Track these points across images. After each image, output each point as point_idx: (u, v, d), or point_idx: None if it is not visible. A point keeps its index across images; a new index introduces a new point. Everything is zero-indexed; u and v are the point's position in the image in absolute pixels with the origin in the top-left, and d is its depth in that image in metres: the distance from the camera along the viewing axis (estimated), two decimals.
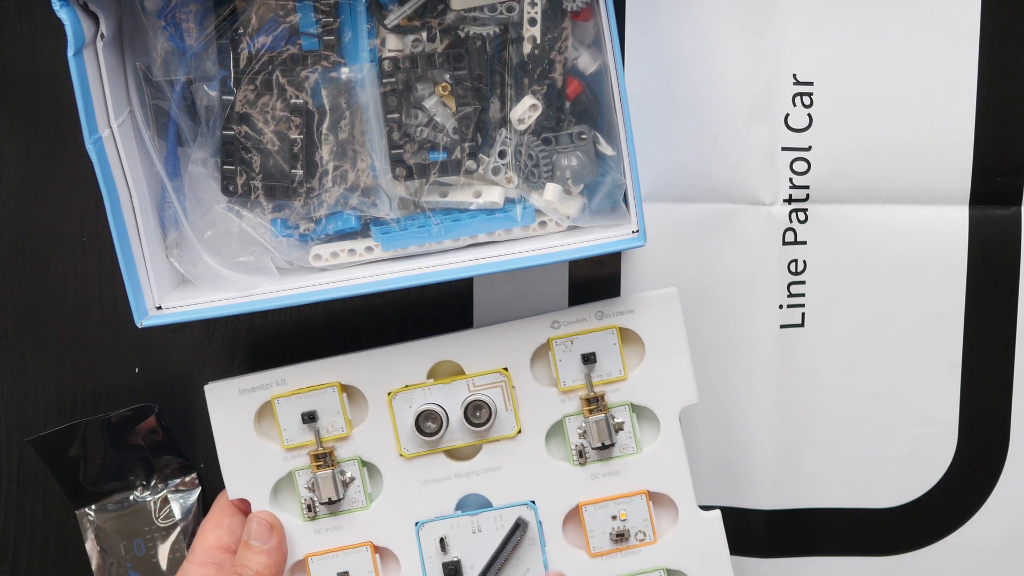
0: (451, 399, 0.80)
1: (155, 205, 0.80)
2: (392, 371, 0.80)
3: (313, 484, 0.80)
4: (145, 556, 0.88)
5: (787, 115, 0.83)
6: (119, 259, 0.74)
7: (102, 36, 0.74)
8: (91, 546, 0.87)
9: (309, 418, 0.80)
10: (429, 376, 0.80)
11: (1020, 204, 0.83)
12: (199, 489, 0.87)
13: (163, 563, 0.87)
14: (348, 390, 0.80)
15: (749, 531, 0.87)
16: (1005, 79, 0.82)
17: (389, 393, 0.80)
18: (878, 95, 0.82)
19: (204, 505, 0.87)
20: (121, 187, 0.76)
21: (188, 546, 0.87)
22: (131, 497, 0.87)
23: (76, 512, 0.87)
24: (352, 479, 0.80)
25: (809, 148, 0.83)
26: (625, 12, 0.81)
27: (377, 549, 0.81)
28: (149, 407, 0.86)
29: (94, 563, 0.87)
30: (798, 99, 0.82)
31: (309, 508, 0.80)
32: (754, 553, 0.87)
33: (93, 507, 0.87)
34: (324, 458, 0.80)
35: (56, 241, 0.85)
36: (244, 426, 0.80)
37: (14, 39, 0.83)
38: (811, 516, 0.87)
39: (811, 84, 0.82)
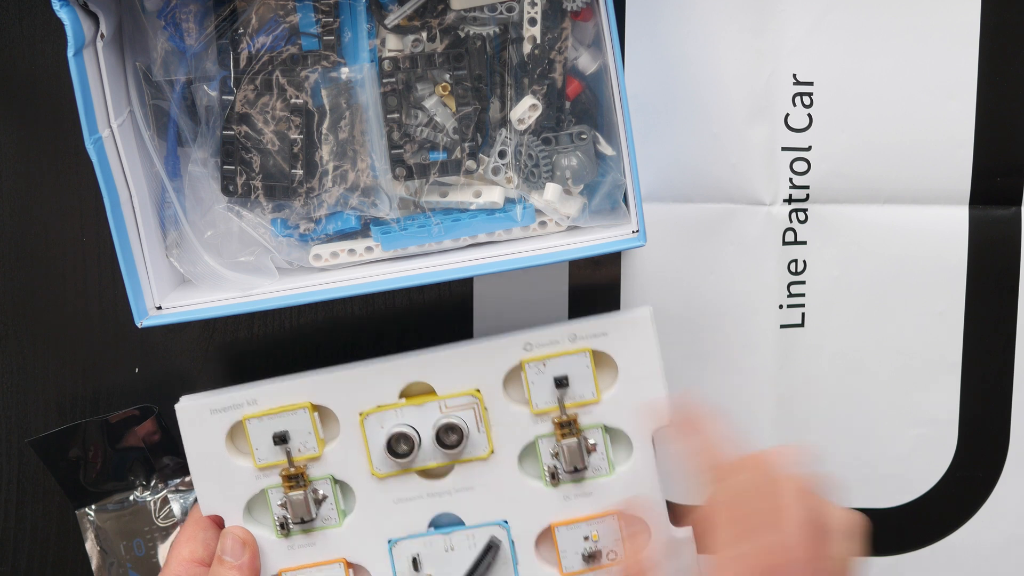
0: (423, 420, 0.79)
1: (155, 205, 0.80)
2: (363, 391, 0.79)
3: (286, 503, 0.80)
4: (145, 556, 0.88)
5: (787, 115, 0.83)
6: (119, 259, 0.74)
7: (102, 36, 0.74)
8: (91, 546, 0.87)
9: (280, 440, 0.79)
10: (401, 396, 0.80)
11: (1020, 204, 0.83)
12: None
13: (163, 563, 0.87)
14: (320, 409, 0.80)
15: None
16: (1005, 79, 0.82)
17: (361, 414, 0.79)
18: (878, 95, 0.82)
19: None
20: (121, 187, 0.76)
21: None
22: (131, 497, 0.87)
23: (76, 512, 0.87)
24: (325, 497, 0.80)
25: (809, 148, 0.83)
26: (625, 12, 0.81)
27: (350, 565, 0.81)
28: (149, 408, 0.86)
29: (94, 563, 0.87)
30: (798, 99, 0.82)
31: (282, 526, 0.80)
32: None
33: (93, 507, 0.87)
34: (296, 479, 0.80)
35: (56, 241, 0.85)
36: (216, 445, 0.80)
37: (14, 39, 0.83)
38: None
39: (811, 84, 0.82)
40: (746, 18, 0.81)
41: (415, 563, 0.80)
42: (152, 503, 0.87)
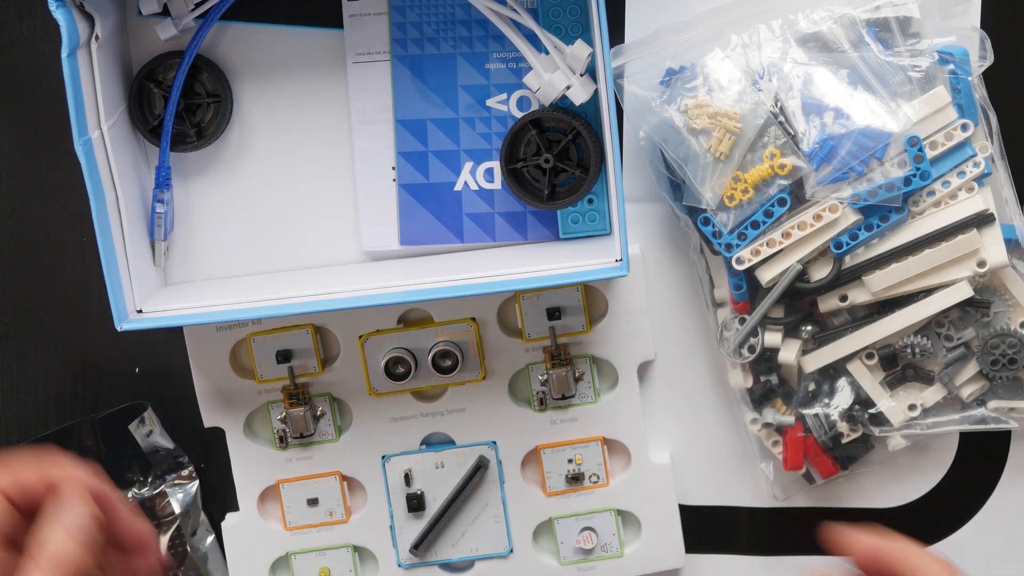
0: (420, 345, 0.83)
1: (145, 208, 0.80)
2: (364, 316, 0.83)
3: (286, 418, 0.84)
4: None
5: None
6: (102, 262, 0.75)
7: (96, 38, 0.74)
8: None
9: (283, 358, 0.83)
10: (399, 322, 0.83)
11: None
12: (196, 482, 0.88)
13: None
14: (321, 331, 0.83)
15: (749, 529, 0.87)
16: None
17: (360, 336, 0.83)
18: None
19: (204, 498, 0.88)
20: (108, 189, 0.76)
21: (188, 540, 0.87)
22: (129, 494, 0.87)
23: None
24: (323, 413, 0.84)
25: None
26: (625, 15, 0.81)
27: (345, 478, 0.85)
28: (141, 404, 0.86)
29: None
30: None
31: (281, 439, 0.84)
32: (754, 551, 0.87)
33: None
34: (297, 396, 0.84)
35: (56, 241, 0.85)
36: (220, 360, 0.84)
37: (14, 39, 0.83)
38: (811, 515, 0.87)
39: None
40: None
41: (407, 478, 0.85)
42: (151, 499, 0.87)
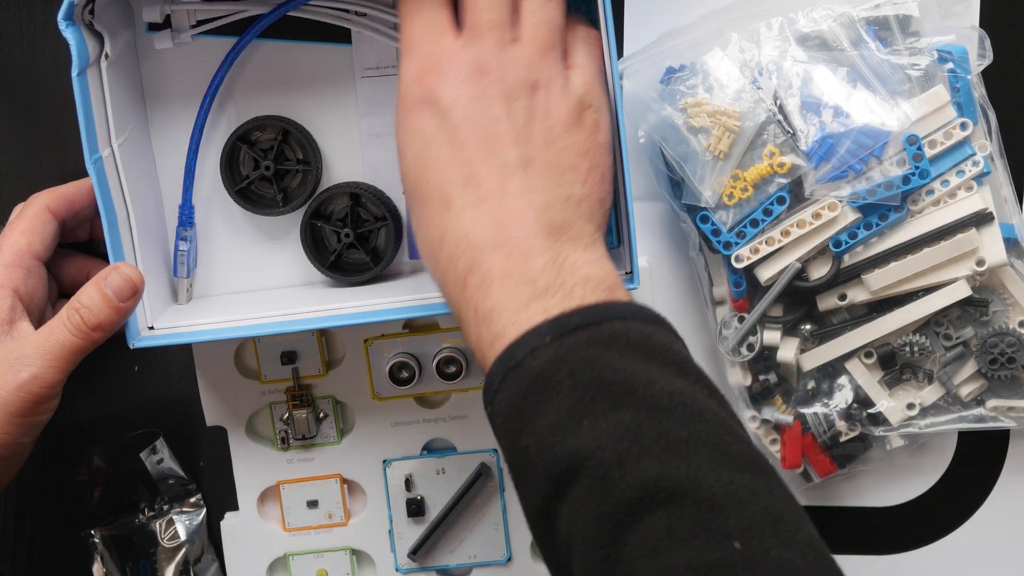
0: (425, 350, 0.83)
1: (157, 225, 0.80)
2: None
3: (288, 419, 0.84)
4: None
5: None
6: None
7: (106, 56, 0.74)
8: (98, 569, 0.87)
9: (288, 359, 0.83)
10: (405, 327, 0.83)
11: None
12: (203, 510, 0.88)
13: None
14: (326, 334, 0.84)
15: None
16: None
17: (365, 340, 0.83)
18: None
19: (209, 526, 0.88)
20: (119, 206, 0.75)
21: (193, 567, 0.87)
22: (136, 520, 0.87)
23: (82, 535, 0.87)
24: (326, 416, 0.85)
25: None
26: (624, 16, 0.82)
27: (345, 481, 0.86)
28: (153, 432, 0.86)
29: None
30: None
31: (283, 440, 0.85)
32: None
33: (99, 530, 0.87)
34: (300, 398, 0.84)
35: None
36: (224, 360, 0.84)
37: (14, 39, 0.83)
38: (811, 515, 0.86)
39: None
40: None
41: (407, 483, 0.85)
42: (157, 525, 0.87)
